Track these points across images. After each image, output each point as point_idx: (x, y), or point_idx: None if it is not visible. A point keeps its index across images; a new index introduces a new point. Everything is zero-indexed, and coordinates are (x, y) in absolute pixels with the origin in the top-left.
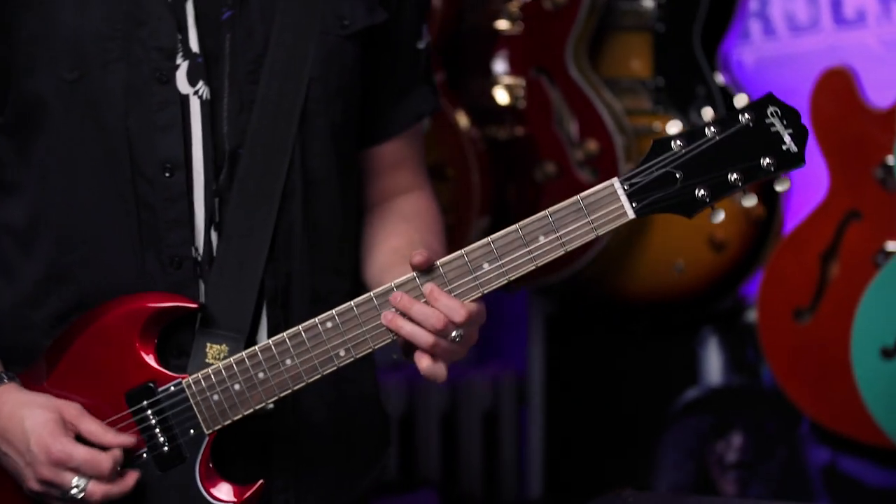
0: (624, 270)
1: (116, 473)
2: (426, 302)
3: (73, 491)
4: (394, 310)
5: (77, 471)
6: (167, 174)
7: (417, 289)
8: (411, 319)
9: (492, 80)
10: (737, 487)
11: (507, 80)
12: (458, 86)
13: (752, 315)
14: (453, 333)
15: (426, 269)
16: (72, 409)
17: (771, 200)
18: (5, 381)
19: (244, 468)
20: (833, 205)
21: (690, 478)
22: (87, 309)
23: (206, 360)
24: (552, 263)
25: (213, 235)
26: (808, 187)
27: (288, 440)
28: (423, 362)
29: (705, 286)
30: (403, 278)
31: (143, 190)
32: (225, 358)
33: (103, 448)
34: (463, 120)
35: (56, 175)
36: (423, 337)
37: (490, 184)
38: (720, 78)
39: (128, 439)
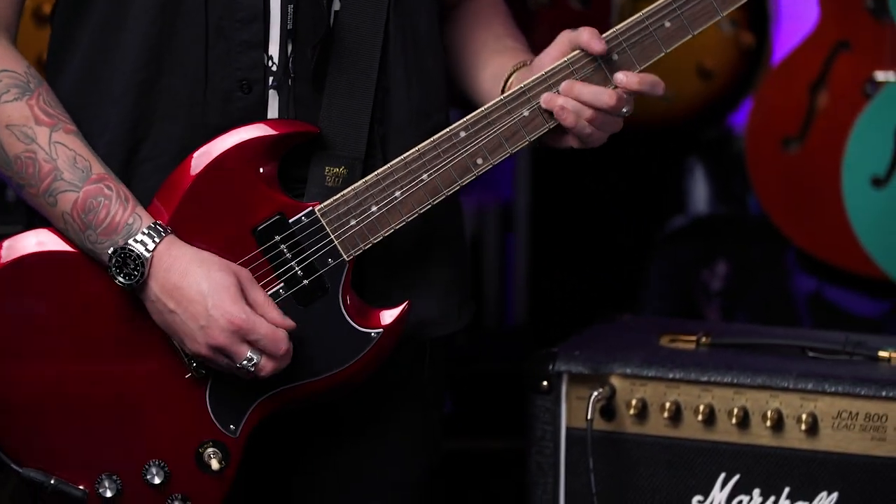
0: None
1: None
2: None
3: (245, 363)
4: (554, 91)
5: (253, 344)
6: None
7: (593, 61)
8: (579, 101)
9: None
10: (721, 315)
11: None
12: None
13: (740, 144)
14: (624, 109)
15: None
16: (245, 275)
17: (760, 30)
18: (170, 232)
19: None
20: (822, 35)
21: (675, 305)
22: (157, 142)
23: (326, 185)
24: None
25: (289, 46)
26: (797, 17)
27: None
28: (575, 143)
29: (693, 114)
30: (577, 53)
31: (214, 10)
32: (344, 180)
33: None
34: None
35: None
36: (586, 114)
37: None
38: None
39: (290, 322)
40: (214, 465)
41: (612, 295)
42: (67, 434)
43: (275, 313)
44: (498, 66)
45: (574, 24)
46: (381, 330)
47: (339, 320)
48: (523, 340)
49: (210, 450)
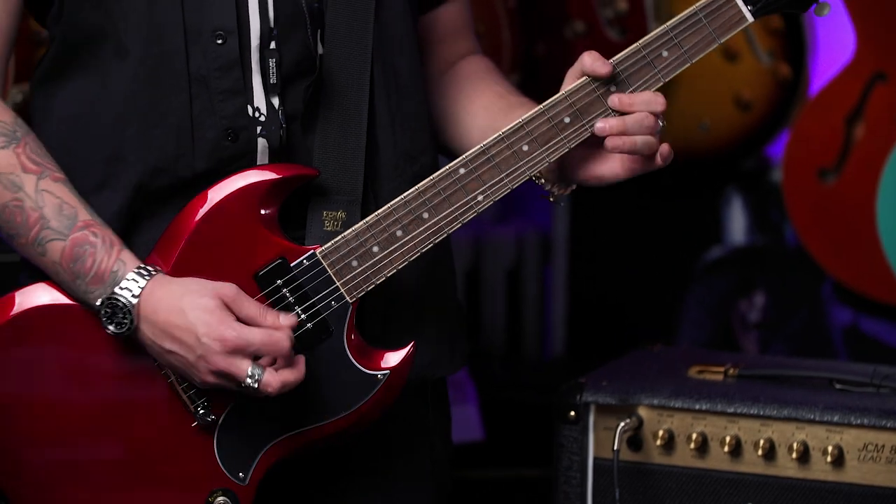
0: None
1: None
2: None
3: (249, 381)
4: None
5: (254, 356)
6: (219, 41)
7: (592, 93)
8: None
9: None
10: (758, 346)
11: None
12: None
13: (777, 175)
14: (660, 124)
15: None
16: (228, 291)
17: (797, 61)
18: (154, 273)
19: None
20: (859, 66)
21: (713, 337)
22: (145, 193)
23: (325, 229)
24: None
25: (275, 99)
26: (834, 49)
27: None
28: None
29: (730, 145)
30: (575, 84)
31: (195, 60)
32: (343, 224)
33: None
34: None
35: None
36: (632, 143)
37: (520, 41)
38: None
39: (290, 319)
40: None
41: (650, 326)
42: (74, 485)
43: (271, 319)
44: (512, 121)
45: (611, 55)
46: (387, 372)
47: (344, 363)
48: (562, 370)
49: (220, 498)
